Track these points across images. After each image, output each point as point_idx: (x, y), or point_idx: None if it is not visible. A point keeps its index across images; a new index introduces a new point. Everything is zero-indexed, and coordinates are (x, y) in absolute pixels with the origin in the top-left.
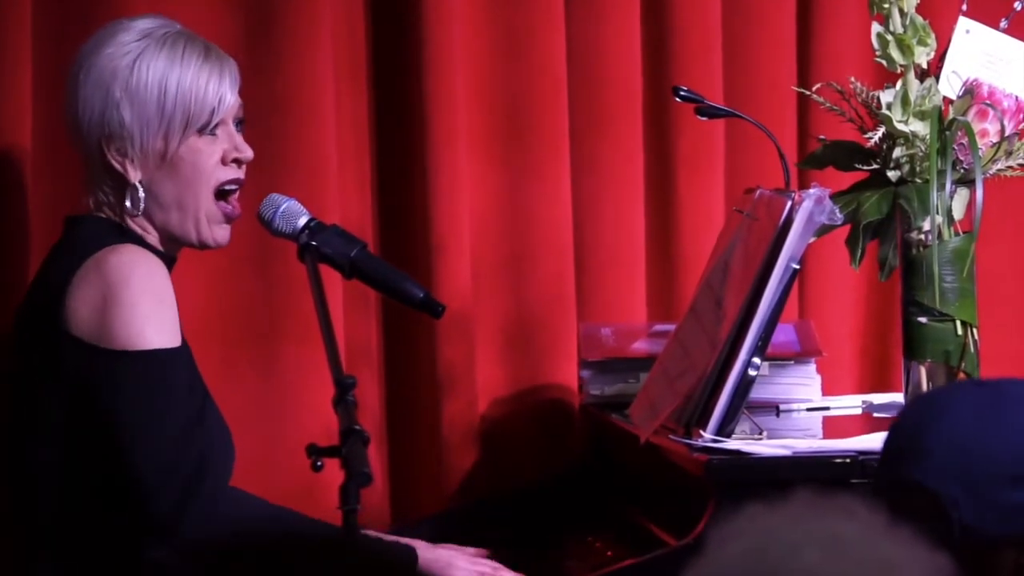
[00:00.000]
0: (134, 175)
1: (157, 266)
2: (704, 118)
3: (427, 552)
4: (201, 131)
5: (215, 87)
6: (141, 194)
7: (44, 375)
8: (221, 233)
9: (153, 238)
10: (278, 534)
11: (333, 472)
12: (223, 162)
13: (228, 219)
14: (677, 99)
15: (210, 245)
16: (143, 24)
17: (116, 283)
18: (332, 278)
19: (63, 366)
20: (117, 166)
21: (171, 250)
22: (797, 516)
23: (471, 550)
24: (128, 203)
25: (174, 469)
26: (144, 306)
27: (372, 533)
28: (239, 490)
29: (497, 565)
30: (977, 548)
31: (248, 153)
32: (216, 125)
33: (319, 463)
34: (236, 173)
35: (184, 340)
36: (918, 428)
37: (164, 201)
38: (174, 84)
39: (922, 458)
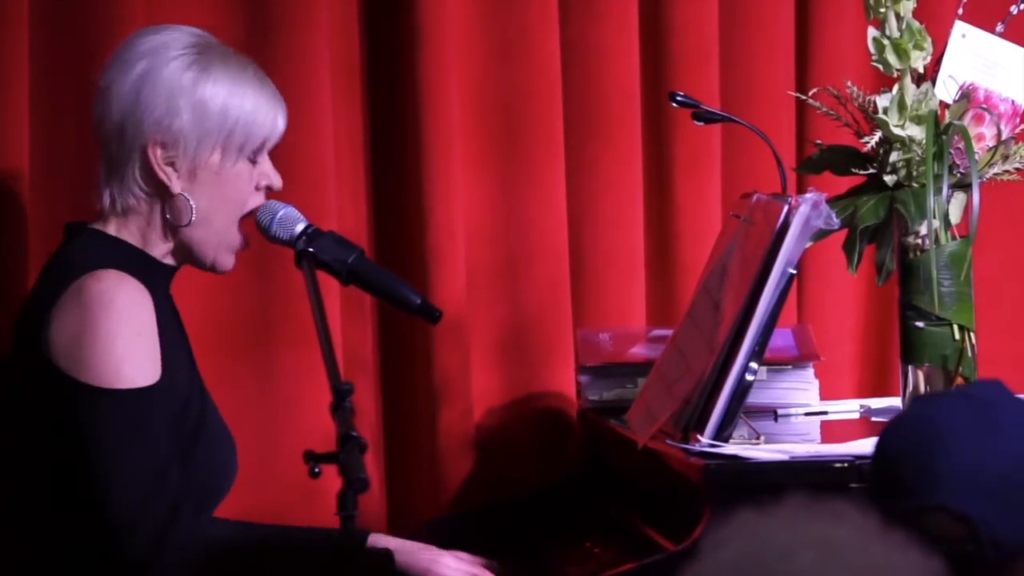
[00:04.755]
0: (177, 185)
1: (138, 293)
2: (701, 123)
3: (410, 554)
4: (251, 157)
5: (272, 116)
6: (192, 204)
7: (27, 392)
8: (230, 260)
9: (160, 250)
10: (253, 561)
11: (331, 478)
12: (256, 188)
13: (238, 248)
14: (673, 104)
15: (218, 270)
16: (189, 38)
17: (94, 314)
18: (328, 285)
19: (42, 389)
20: (160, 173)
21: (178, 262)
22: (790, 520)
23: (467, 556)
24: (169, 214)
25: (146, 514)
26: (121, 340)
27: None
28: (214, 523)
29: (485, 573)
30: (1006, 559)
31: (278, 182)
32: (261, 152)
33: (316, 469)
34: (261, 200)
35: (187, 348)
36: (923, 453)
37: (196, 216)
38: (238, 105)
39: (939, 482)
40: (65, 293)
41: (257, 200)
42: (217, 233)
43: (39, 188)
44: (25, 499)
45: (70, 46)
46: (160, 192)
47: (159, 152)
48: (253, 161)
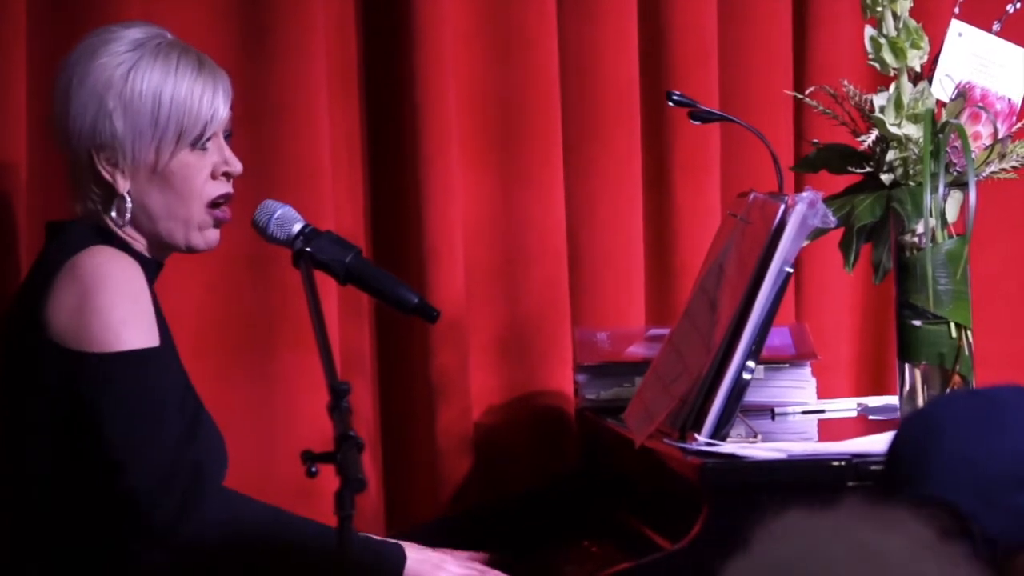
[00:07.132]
0: (123, 185)
1: (131, 266)
2: (698, 122)
3: (416, 553)
4: (193, 145)
5: (209, 101)
6: (128, 204)
7: (27, 383)
8: (212, 236)
9: (140, 245)
10: (271, 537)
11: (328, 478)
12: (213, 176)
13: (218, 223)
14: (670, 103)
15: (199, 249)
16: (134, 34)
17: (91, 286)
18: (326, 285)
19: (45, 373)
20: (106, 175)
21: (159, 256)
22: (840, 527)
23: (466, 554)
24: (114, 213)
25: (171, 476)
26: (120, 307)
27: (362, 534)
28: (233, 491)
29: (486, 569)
30: (996, 558)
31: (237, 167)
32: (208, 139)
33: (314, 469)
34: (225, 188)
35: (171, 343)
36: (921, 448)
37: (153, 211)
38: (168, 96)
39: (933, 476)
40: (59, 273)
41: (219, 188)
42: (183, 223)
43: (36, 186)
44: (35, 484)
45: (69, 46)
46: (112, 193)
47: (101, 155)
48: (202, 148)
